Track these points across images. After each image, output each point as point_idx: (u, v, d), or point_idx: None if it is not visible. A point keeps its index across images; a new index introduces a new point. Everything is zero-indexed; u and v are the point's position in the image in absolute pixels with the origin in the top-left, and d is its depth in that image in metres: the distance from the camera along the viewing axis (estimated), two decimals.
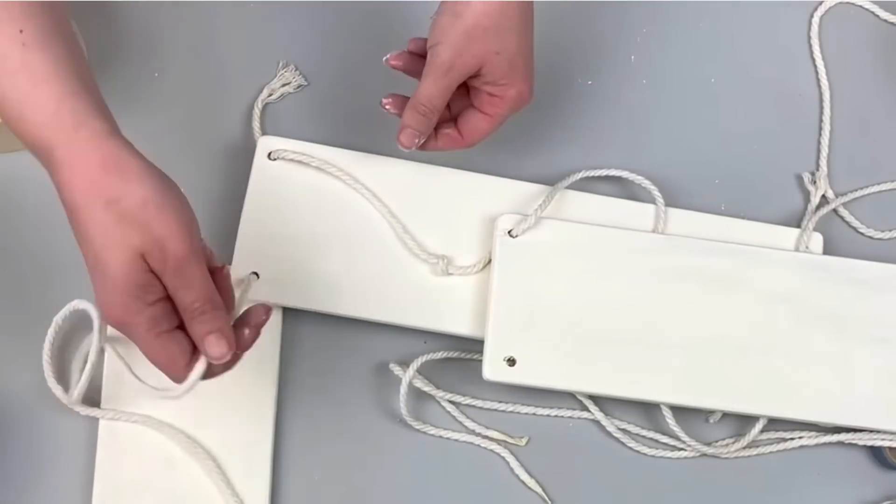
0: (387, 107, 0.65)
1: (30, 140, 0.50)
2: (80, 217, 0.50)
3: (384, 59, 0.66)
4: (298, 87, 0.74)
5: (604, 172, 0.71)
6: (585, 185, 0.72)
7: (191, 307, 0.51)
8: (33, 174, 0.70)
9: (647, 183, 0.71)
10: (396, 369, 0.67)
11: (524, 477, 0.68)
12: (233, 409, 0.66)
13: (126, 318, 0.50)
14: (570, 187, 0.71)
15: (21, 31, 0.49)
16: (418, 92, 0.62)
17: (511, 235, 0.68)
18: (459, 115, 0.66)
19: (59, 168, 0.49)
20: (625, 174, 0.71)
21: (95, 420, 0.66)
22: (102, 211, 0.49)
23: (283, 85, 0.73)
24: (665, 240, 0.69)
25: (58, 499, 0.65)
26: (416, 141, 0.64)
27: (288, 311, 0.69)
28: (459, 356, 0.68)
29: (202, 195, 0.71)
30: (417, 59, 0.65)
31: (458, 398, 0.68)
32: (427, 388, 0.68)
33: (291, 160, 0.69)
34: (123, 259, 0.49)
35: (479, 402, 0.69)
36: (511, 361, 0.66)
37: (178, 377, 0.53)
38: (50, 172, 0.50)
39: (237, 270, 0.66)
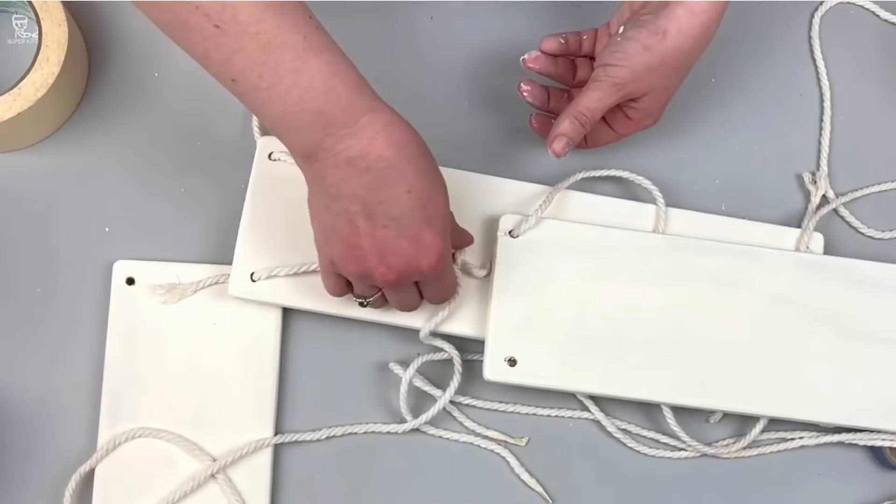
0: (524, 94, 0.68)
1: (336, 110, 0.52)
2: (405, 170, 0.54)
3: (521, 59, 0.68)
4: None
5: (604, 173, 0.71)
6: (586, 185, 0.72)
7: (455, 226, 0.63)
8: (33, 174, 0.71)
9: (647, 183, 0.71)
10: (396, 368, 0.67)
11: (525, 476, 0.68)
12: (233, 409, 0.66)
13: (448, 251, 0.59)
14: (571, 187, 0.71)
15: (310, 16, 0.53)
16: (582, 103, 0.64)
17: (512, 236, 0.68)
18: (593, 129, 0.67)
19: (372, 125, 0.53)
20: (625, 174, 0.71)
21: (96, 419, 0.66)
22: (425, 159, 0.55)
23: None
24: (665, 240, 0.69)
25: (59, 498, 0.65)
26: (568, 150, 0.65)
27: (288, 311, 0.69)
28: (460, 356, 0.68)
29: (202, 195, 0.71)
30: (552, 60, 0.68)
31: (458, 398, 0.68)
32: (427, 388, 0.68)
33: (291, 160, 0.69)
34: (446, 195, 0.57)
35: (479, 402, 0.69)
36: (512, 362, 0.65)
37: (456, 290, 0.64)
38: (348, 137, 0.53)
39: (237, 270, 0.66)
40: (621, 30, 0.64)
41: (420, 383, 0.67)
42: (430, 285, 0.61)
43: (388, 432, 0.68)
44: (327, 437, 0.67)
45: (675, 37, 0.61)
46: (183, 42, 0.52)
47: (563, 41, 0.68)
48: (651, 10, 0.62)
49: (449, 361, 0.67)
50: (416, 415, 0.67)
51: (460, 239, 0.65)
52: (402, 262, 0.57)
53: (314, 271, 0.65)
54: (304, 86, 0.51)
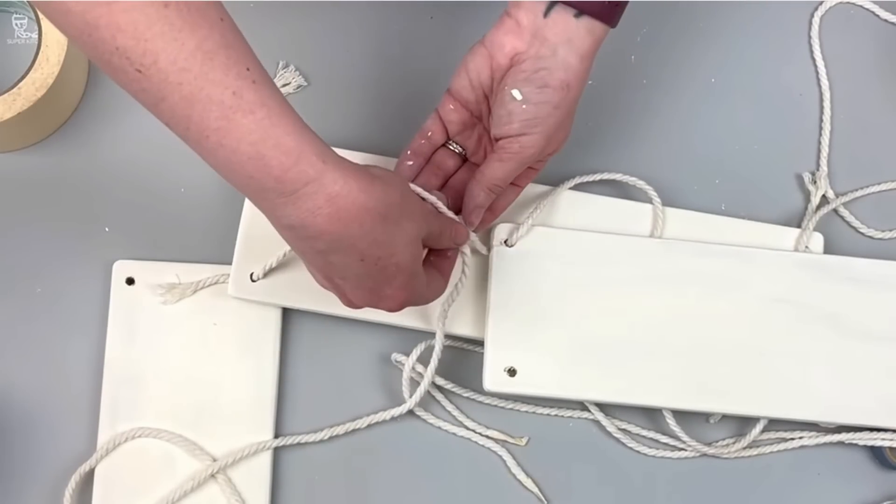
0: (408, 162, 0.65)
1: (266, 178, 0.48)
2: (354, 243, 0.51)
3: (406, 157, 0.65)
4: (298, 88, 0.74)
5: (597, 177, 0.71)
6: (585, 186, 0.72)
7: (442, 234, 0.59)
8: (33, 174, 0.71)
9: (641, 184, 0.71)
10: (399, 357, 0.67)
11: (521, 476, 0.68)
12: (233, 409, 0.66)
13: (413, 295, 0.56)
14: (570, 188, 0.71)
15: (248, 70, 0.47)
16: (496, 175, 0.61)
17: (507, 245, 0.68)
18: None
19: (313, 198, 0.48)
20: (618, 177, 0.71)
21: (96, 419, 0.66)
22: (381, 227, 0.51)
23: (284, 85, 0.73)
24: (661, 244, 0.69)
25: (59, 498, 0.65)
26: (481, 217, 0.63)
27: (288, 311, 0.69)
28: (462, 347, 0.69)
29: (202, 195, 0.71)
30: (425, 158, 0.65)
31: (459, 391, 0.68)
32: (428, 387, 0.68)
33: None
34: (411, 251, 0.54)
35: (480, 397, 0.69)
36: (511, 372, 0.65)
37: (439, 294, 0.61)
38: (285, 206, 0.49)
39: (237, 270, 0.66)
40: (514, 94, 0.58)
41: (421, 369, 0.67)
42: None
43: (387, 419, 0.67)
44: (327, 436, 0.67)
45: (576, 87, 0.58)
46: (115, 81, 0.47)
47: (423, 142, 0.65)
48: (533, 64, 0.58)
49: (451, 350, 0.68)
50: (417, 404, 0.67)
51: (451, 245, 0.62)
52: (366, 303, 0.56)
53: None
54: (231, 147, 0.47)
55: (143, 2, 0.44)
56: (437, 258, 0.62)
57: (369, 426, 0.68)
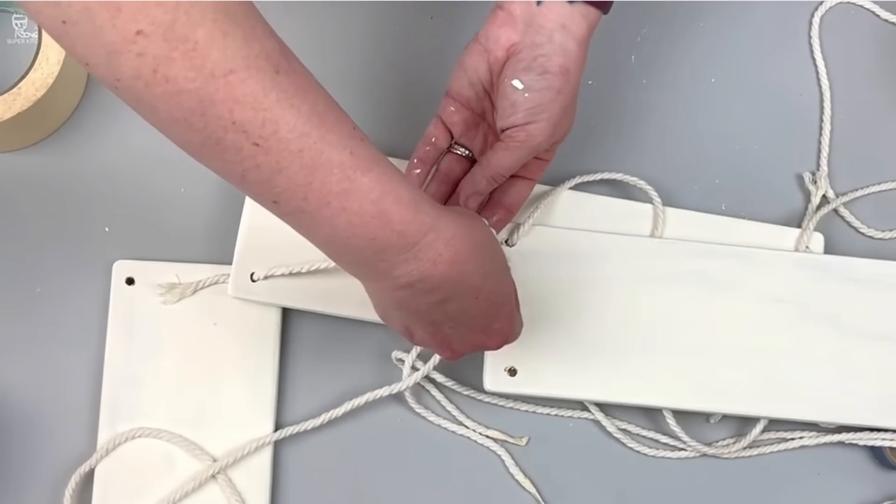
0: (416, 171, 0.64)
1: (390, 235, 0.47)
2: (471, 283, 0.51)
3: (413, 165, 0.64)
4: None
5: (597, 177, 0.71)
6: (585, 186, 0.72)
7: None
8: (33, 174, 0.71)
9: (642, 183, 0.71)
10: (399, 355, 0.67)
11: (519, 477, 0.68)
12: (233, 409, 0.66)
13: (517, 326, 0.59)
14: (570, 188, 0.71)
15: (354, 128, 0.47)
16: (500, 163, 0.60)
17: (508, 245, 0.68)
18: (498, 191, 0.64)
19: (434, 247, 0.48)
20: (619, 176, 0.71)
21: (96, 419, 0.66)
22: (488, 253, 0.52)
23: None
24: (661, 244, 0.69)
25: (59, 498, 0.65)
26: (478, 204, 0.63)
27: (288, 311, 0.69)
28: None
29: (202, 196, 0.71)
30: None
31: (459, 389, 0.68)
32: (428, 386, 0.68)
33: None
34: (508, 274, 0.55)
35: (480, 396, 0.69)
36: (512, 372, 0.65)
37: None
38: (407, 262, 0.48)
39: (237, 270, 0.66)
40: (514, 84, 0.58)
41: (421, 366, 0.67)
42: None
43: (387, 431, 0.67)
44: (327, 436, 0.67)
45: (575, 71, 0.58)
46: (217, 163, 0.44)
47: (428, 148, 0.64)
48: (531, 52, 0.57)
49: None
50: (418, 403, 0.67)
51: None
52: (469, 348, 0.57)
53: (312, 272, 0.65)
54: (353, 209, 0.45)
55: (258, 71, 0.42)
56: None
57: (369, 424, 0.68)
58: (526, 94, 0.58)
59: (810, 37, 0.79)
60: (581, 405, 0.69)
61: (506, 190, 0.64)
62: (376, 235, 0.46)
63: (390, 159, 0.68)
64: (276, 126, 0.43)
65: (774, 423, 0.69)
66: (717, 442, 0.70)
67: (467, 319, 0.53)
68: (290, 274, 0.66)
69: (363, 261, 0.48)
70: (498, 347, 0.58)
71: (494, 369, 0.65)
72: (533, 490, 0.68)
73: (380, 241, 0.47)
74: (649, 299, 0.68)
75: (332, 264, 0.64)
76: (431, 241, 0.48)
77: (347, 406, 0.66)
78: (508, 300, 0.55)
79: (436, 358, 0.65)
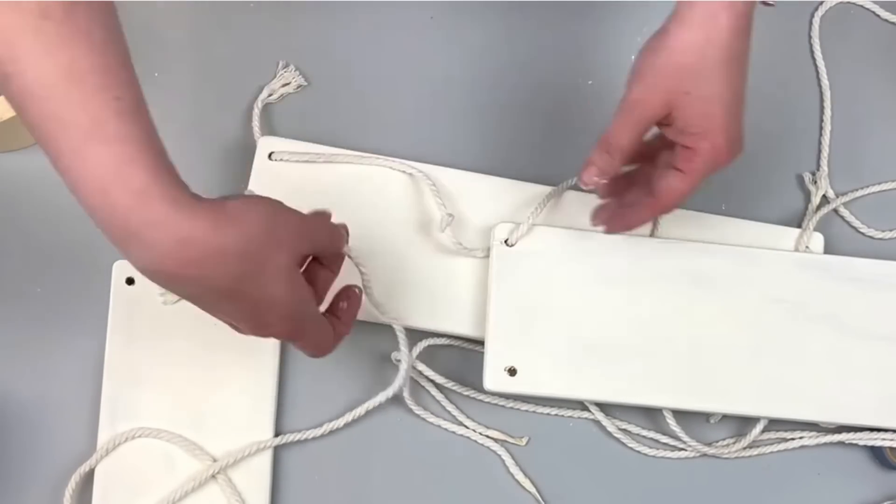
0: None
1: (112, 216, 0.46)
2: (218, 276, 0.48)
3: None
4: (298, 87, 0.74)
5: None
6: None
7: (325, 244, 0.56)
8: (33, 174, 0.71)
9: None
10: (399, 354, 0.67)
11: (519, 476, 0.68)
12: (233, 409, 0.66)
13: (296, 326, 0.53)
14: (570, 188, 0.71)
15: (118, 99, 0.45)
16: (607, 130, 0.59)
17: (507, 244, 0.68)
18: (657, 176, 0.60)
19: (161, 244, 0.46)
20: None
21: (95, 419, 0.66)
22: (242, 259, 0.48)
23: (283, 85, 0.73)
24: (662, 244, 0.69)
25: (59, 498, 0.65)
26: (597, 179, 0.60)
27: None
28: (462, 346, 0.69)
29: (202, 195, 0.71)
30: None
31: (459, 389, 0.68)
32: (428, 386, 0.68)
33: (291, 161, 0.69)
34: (283, 280, 0.50)
35: (480, 396, 0.69)
36: (511, 371, 0.65)
37: (334, 345, 0.57)
38: (133, 248, 0.46)
39: None
40: None
41: (423, 368, 0.67)
42: (293, 345, 0.56)
43: (387, 430, 0.68)
44: (327, 436, 0.67)
45: (678, 34, 0.55)
46: None
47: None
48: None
49: (451, 350, 0.68)
50: (417, 403, 0.67)
51: (334, 252, 0.57)
52: (255, 333, 0.53)
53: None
54: (79, 175, 0.45)
55: (21, 10, 0.42)
56: (333, 308, 0.59)
57: (369, 425, 0.68)
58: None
59: (810, 37, 0.79)
60: (581, 405, 0.69)
61: (660, 177, 0.60)
62: (101, 214, 0.45)
63: (390, 159, 0.70)
64: (23, 67, 0.43)
65: (774, 423, 0.69)
66: (717, 442, 0.70)
67: (239, 318, 0.51)
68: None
69: (99, 228, 0.47)
70: (278, 339, 0.54)
71: (494, 369, 0.65)
72: (533, 490, 0.68)
73: (103, 221, 0.46)
74: (649, 299, 0.68)
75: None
76: (158, 237, 0.45)
77: (348, 417, 0.67)
78: (277, 304, 0.50)
79: (419, 346, 0.65)
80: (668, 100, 0.57)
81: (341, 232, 0.58)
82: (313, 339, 0.55)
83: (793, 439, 0.69)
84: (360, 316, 0.67)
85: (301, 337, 0.54)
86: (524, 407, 0.69)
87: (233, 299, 0.49)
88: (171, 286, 0.48)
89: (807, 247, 0.71)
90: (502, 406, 0.69)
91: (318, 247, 0.55)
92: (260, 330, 0.52)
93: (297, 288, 0.52)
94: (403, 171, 0.69)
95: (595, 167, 0.60)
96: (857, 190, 0.75)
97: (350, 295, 0.59)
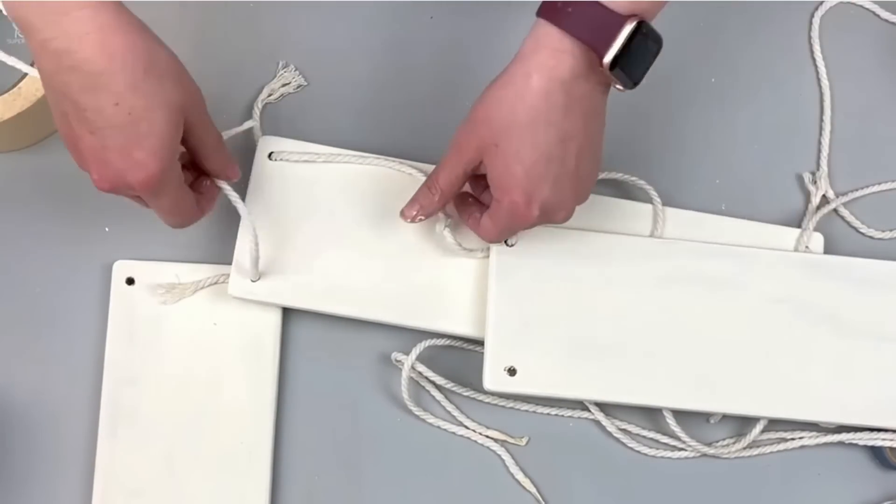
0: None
1: (46, 8, 0.49)
2: (113, 81, 0.51)
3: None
4: (298, 87, 0.74)
5: (599, 175, 0.71)
6: None
7: (215, 143, 0.59)
8: (33, 174, 0.71)
9: (642, 183, 0.71)
10: (399, 356, 0.67)
11: (519, 476, 0.68)
12: (233, 409, 0.66)
13: (165, 173, 0.54)
14: None
15: None
16: (434, 169, 0.62)
17: (507, 244, 0.68)
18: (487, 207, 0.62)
19: (83, 22, 0.50)
20: (619, 176, 0.71)
21: (95, 419, 0.66)
22: (143, 73, 0.51)
23: (283, 85, 0.73)
24: (662, 244, 0.69)
25: (58, 498, 0.65)
26: (415, 214, 0.63)
27: (288, 311, 0.69)
28: (462, 346, 0.69)
29: None
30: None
31: (458, 390, 0.68)
32: (428, 386, 0.68)
33: (291, 160, 0.69)
34: (169, 116, 0.53)
35: (480, 397, 0.69)
36: (511, 371, 0.65)
37: (194, 218, 0.61)
38: (57, 25, 0.49)
39: (237, 271, 0.66)
40: None
41: (423, 369, 0.67)
42: (152, 203, 0.57)
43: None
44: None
45: (499, 85, 0.57)
46: None
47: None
48: None
49: (451, 350, 0.68)
50: (417, 404, 0.67)
51: (220, 167, 0.61)
52: (112, 174, 0.54)
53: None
54: None
55: None
56: (196, 185, 0.62)
57: (369, 425, 0.68)
58: None
59: (810, 37, 0.79)
60: (581, 405, 0.69)
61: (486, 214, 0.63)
62: None
63: (390, 159, 0.70)
64: None
65: (774, 423, 0.69)
66: (717, 442, 0.70)
67: (105, 126, 0.52)
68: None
69: (23, 14, 0.50)
70: (141, 188, 0.54)
71: (494, 369, 0.65)
72: (533, 490, 0.68)
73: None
74: (649, 299, 0.68)
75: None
76: (84, 17, 0.49)
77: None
78: (154, 133, 0.53)
79: (420, 347, 0.66)
80: (481, 148, 0.58)
81: (231, 156, 0.61)
82: (171, 202, 0.57)
83: (793, 439, 0.69)
84: (360, 315, 0.67)
85: (160, 194, 0.55)
86: (524, 407, 0.69)
87: (119, 106, 0.51)
88: (70, 76, 0.50)
89: (807, 247, 0.71)
90: (502, 406, 0.69)
91: (205, 132, 0.57)
92: (123, 163, 0.53)
93: (174, 131, 0.54)
94: (403, 172, 0.69)
95: (417, 203, 0.63)
96: (857, 190, 0.75)
97: (212, 180, 0.62)
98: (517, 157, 0.57)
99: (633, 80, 0.56)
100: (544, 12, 0.56)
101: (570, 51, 0.55)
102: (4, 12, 0.51)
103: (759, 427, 0.68)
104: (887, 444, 0.68)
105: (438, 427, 0.68)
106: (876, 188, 0.75)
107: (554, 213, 0.60)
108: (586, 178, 0.61)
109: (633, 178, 0.71)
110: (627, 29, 0.54)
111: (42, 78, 0.53)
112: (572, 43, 0.55)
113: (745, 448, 0.69)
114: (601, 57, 0.54)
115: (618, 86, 0.57)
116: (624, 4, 0.54)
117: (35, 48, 0.51)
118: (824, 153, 0.76)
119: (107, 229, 0.70)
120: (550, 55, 0.55)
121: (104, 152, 0.53)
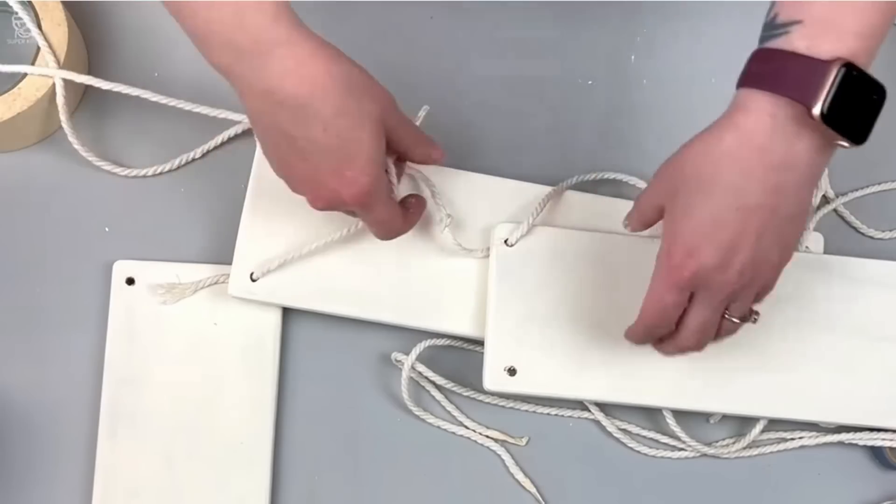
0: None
1: (244, 39, 0.51)
2: (319, 109, 0.53)
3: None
4: None
5: (597, 177, 0.71)
6: (585, 185, 0.71)
7: (414, 136, 0.61)
8: (33, 174, 0.71)
9: (642, 183, 0.71)
10: (399, 356, 0.67)
11: (519, 476, 0.68)
12: (233, 409, 0.66)
13: (374, 186, 0.56)
14: (570, 188, 0.70)
15: None
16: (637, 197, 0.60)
17: (507, 244, 0.68)
18: None
19: (284, 61, 0.51)
20: (619, 176, 0.71)
21: (95, 419, 0.66)
22: (344, 96, 0.53)
23: None
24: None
25: (58, 498, 0.65)
26: (633, 227, 0.61)
27: (288, 311, 0.69)
28: (462, 346, 0.69)
29: (202, 195, 0.71)
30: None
31: (459, 390, 0.68)
32: (428, 386, 0.68)
33: None
34: (372, 130, 0.55)
35: (480, 397, 0.69)
36: (511, 371, 0.65)
37: (402, 229, 0.62)
38: (260, 69, 0.51)
39: (237, 270, 0.66)
40: None
41: (423, 369, 0.67)
42: (363, 216, 0.60)
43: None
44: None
45: (693, 144, 0.54)
46: None
47: None
48: None
49: (451, 350, 0.68)
50: (417, 404, 0.67)
51: (424, 155, 0.62)
52: (326, 193, 0.56)
53: (306, 254, 0.66)
54: (215, 5, 0.50)
55: None
56: (405, 201, 0.64)
57: (369, 425, 0.68)
58: None
59: None
60: (581, 405, 0.69)
61: None
62: (232, 37, 0.51)
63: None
64: None
65: (774, 423, 0.69)
66: (717, 442, 0.70)
67: (316, 152, 0.54)
68: (286, 263, 0.66)
69: (225, 64, 0.52)
70: (354, 203, 0.56)
71: (494, 369, 0.65)
72: (533, 490, 0.68)
73: (236, 43, 0.51)
74: None
75: (323, 243, 0.66)
76: (284, 55, 0.51)
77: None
78: (363, 151, 0.55)
79: (420, 347, 0.66)
80: (665, 199, 0.56)
81: (436, 148, 0.62)
82: (382, 214, 0.59)
83: (793, 439, 0.69)
84: (360, 315, 0.67)
85: (372, 207, 0.57)
86: (524, 407, 0.69)
87: (327, 131, 0.53)
88: (278, 113, 0.53)
89: (807, 247, 0.71)
90: (502, 406, 0.69)
91: (403, 129, 0.59)
92: (336, 182, 0.55)
93: (379, 143, 0.56)
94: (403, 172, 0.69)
95: (631, 219, 0.60)
96: (857, 190, 0.75)
97: (418, 197, 0.65)
98: (685, 210, 0.54)
99: (851, 132, 0.52)
100: (745, 82, 0.53)
101: (767, 110, 0.51)
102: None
103: (759, 427, 0.68)
104: (887, 444, 0.68)
105: (438, 427, 0.68)
106: (876, 188, 0.75)
107: (709, 280, 0.54)
108: (763, 257, 0.55)
109: (633, 179, 0.71)
110: (832, 74, 0.50)
111: (249, 115, 0.55)
112: (771, 100, 0.51)
113: (745, 448, 0.69)
114: (809, 108, 0.49)
115: (842, 142, 0.52)
116: (825, 50, 0.50)
117: (241, 90, 0.53)
118: None
119: (107, 229, 0.70)
120: (746, 114, 0.52)
121: (317, 175, 0.55)
